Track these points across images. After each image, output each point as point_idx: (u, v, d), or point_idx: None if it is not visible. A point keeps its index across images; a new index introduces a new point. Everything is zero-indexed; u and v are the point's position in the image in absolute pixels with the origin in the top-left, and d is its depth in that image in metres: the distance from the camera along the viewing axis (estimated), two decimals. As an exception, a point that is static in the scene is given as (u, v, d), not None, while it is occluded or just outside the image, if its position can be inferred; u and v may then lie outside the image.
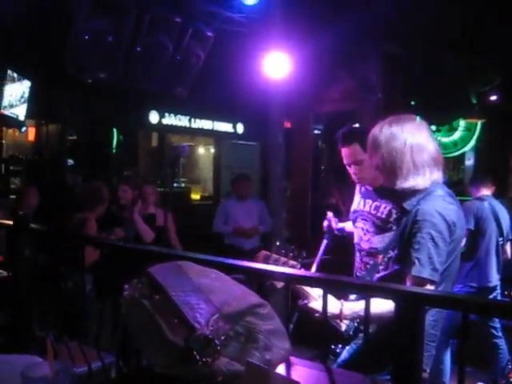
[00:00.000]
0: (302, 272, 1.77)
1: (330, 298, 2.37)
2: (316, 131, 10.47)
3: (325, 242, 3.73)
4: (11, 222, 2.88)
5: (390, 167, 2.55)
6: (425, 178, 2.53)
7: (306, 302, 2.48)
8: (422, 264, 2.36)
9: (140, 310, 1.57)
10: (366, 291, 1.71)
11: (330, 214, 3.82)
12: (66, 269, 3.12)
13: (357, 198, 3.49)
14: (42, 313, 3.06)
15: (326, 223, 3.84)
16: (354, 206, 3.50)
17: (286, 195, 9.59)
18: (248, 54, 7.23)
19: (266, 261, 2.68)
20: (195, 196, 15.04)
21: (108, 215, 5.75)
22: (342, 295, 2.50)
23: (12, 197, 9.79)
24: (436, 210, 2.43)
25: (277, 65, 6.54)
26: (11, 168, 10.59)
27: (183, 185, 14.96)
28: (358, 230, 3.39)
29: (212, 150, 15.69)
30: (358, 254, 3.38)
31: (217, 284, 1.59)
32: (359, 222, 3.38)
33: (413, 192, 2.54)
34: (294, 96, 7.37)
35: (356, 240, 3.41)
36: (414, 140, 2.53)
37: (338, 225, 3.79)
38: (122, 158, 12.89)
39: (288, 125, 9.42)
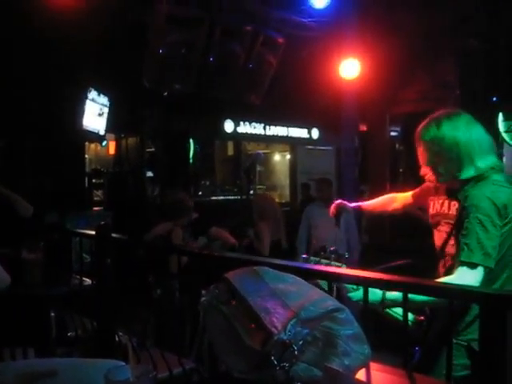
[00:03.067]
0: (379, 275, 1.74)
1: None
2: (393, 133, 10.30)
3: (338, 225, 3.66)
4: (94, 232, 2.99)
5: (445, 162, 2.55)
6: (478, 166, 2.50)
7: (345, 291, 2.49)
8: (471, 249, 2.29)
9: (217, 315, 1.58)
10: (449, 295, 1.66)
11: (338, 201, 3.79)
12: (155, 277, 3.20)
13: (436, 199, 3.40)
14: (126, 320, 3.16)
15: (332, 210, 3.78)
16: (433, 209, 3.40)
17: (364, 198, 9.49)
18: (320, 58, 7.22)
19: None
20: (273, 203, 15.10)
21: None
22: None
23: (95, 209, 10.17)
24: (484, 193, 2.39)
25: (350, 67, 6.49)
26: (93, 181, 10.97)
27: (261, 192, 15.06)
28: (440, 233, 3.30)
29: (288, 157, 15.73)
30: (441, 260, 3.29)
31: (293, 289, 1.58)
32: (443, 225, 3.28)
33: (466, 181, 2.52)
34: (369, 98, 7.29)
35: (438, 243, 3.32)
36: (467, 133, 2.53)
37: (350, 205, 3.74)
38: (199, 168, 13.13)
39: (364, 128, 9.33)
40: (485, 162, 2.51)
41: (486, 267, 2.27)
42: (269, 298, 1.52)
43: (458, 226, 2.47)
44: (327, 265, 2.67)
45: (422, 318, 2.64)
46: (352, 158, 8.20)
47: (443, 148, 2.55)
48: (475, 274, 2.26)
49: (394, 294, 2.27)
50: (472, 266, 2.28)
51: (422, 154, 2.74)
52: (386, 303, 2.37)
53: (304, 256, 2.80)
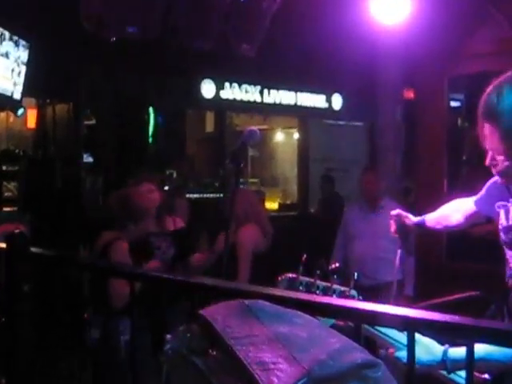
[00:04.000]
0: (431, 315, 1.75)
1: (429, 340, 2.37)
2: (454, 103, 10.32)
3: (399, 253, 3.73)
4: (4, 245, 2.94)
5: None
6: None
7: (391, 350, 2.49)
8: None
9: (190, 371, 1.59)
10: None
11: (395, 212, 3.84)
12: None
13: (510, 206, 3.42)
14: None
15: (392, 226, 3.84)
16: (506, 220, 3.42)
17: (409, 200, 9.50)
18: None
19: (291, 287, 2.73)
20: (271, 204, 15.13)
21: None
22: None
23: (6, 209, 10.13)
24: None
25: (391, 5, 6.51)
26: (3, 168, 10.89)
27: (253, 188, 15.07)
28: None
29: (295, 136, 15.75)
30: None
31: (303, 334, 1.60)
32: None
33: None
34: (417, 52, 7.31)
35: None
36: None
37: (412, 220, 3.79)
38: (162, 152, 13.12)
39: (410, 95, 9.34)
40: None
41: None
42: (266, 348, 1.54)
43: None
44: (327, 291, 2.70)
45: (486, 376, 2.66)
46: (392, 139, 8.22)
47: None
48: None
49: (462, 352, 2.29)
50: None
51: (489, 134, 2.75)
52: (448, 364, 2.40)
53: (290, 276, 2.81)
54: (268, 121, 15.62)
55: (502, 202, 2.66)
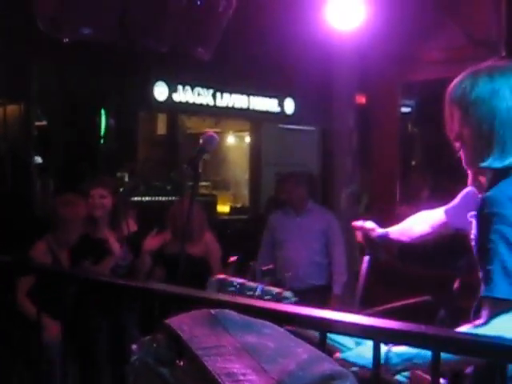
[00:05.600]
0: (399, 324, 1.75)
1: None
2: (404, 109, 10.42)
3: (366, 259, 3.74)
4: None
5: (479, 140, 2.55)
6: None
7: (337, 354, 2.49)
8: (493, 278, 2.32)
9: (156, 382, 1.57)
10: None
11: (358, 223, 3.85)
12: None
13: None
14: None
15: (358, 235, 3.85)
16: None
17: (361, 205, 9.56)
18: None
19: (222, 289, 2.72)
20: (222, 208, 15.14)
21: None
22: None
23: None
24: (507, 194, 2.40)
25: (345, 10, 6.53)
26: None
27: (205, 191, 15.03)
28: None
29: (247, 140, 15.76)
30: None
31: (271, 344, 1.58)
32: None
33: (493, 176, 2.54)
34: (371, 57, 7.34)
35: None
36: None
37: (377, 232, 3.79)
38: (114, 153, 13.03)
39: (362, 100, 9.39)
40: None
41: None
42: (235, 358, 1.52)
43: (478, 246, 2.49)
44: (260, 295, 2.69)
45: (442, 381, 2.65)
46: (345, 144, 8.24)
47: (480, 119, 2.54)
48: (509, 317, 2.28)
49: (404, 350, 2.27)
50: (494, 302, 2.30)
51: (453, 119, 2.73)
52: (391, 364, 2.37)
53: (219, 277, 2.80)
54: (220, 124, 15.61)
55: (475, 212, 2.64)
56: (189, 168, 3.69)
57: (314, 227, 7.34)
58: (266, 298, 2.69)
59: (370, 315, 2.55)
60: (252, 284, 2.74)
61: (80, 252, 5.84)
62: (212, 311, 1.69)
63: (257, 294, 2.71)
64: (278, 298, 2.71)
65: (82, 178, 10.41)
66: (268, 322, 1.72)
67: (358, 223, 3.78)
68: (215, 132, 14.74)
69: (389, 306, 3.96)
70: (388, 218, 7.56)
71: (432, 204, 3.50)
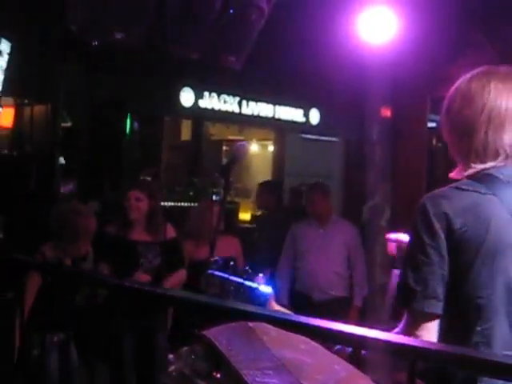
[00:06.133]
0: (436, 345, 1.75)
1: None
2: (430, 124, 10.38)
3: (396, 273, 3.73)
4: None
5: (458, 143, 2.56)
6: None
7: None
8: (402, 289, 2.36)
9: (193, 393, 1.57)
10: None
11: (392, 235, 3.83)
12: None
13: None
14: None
15: (391, 247, 3.83)
16: None
17: (383, 219, 9.51)
18: (332, 8, 7.24)
19: (208, 283, 2.73)
20: (244, 215, 15.10)
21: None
22: None
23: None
24: (423, 201, 2.41)
25: (378, 25, 6.52)
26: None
27: (228, 198, 14.95)
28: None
29: (271, 149, 15.73)
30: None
31: (309, 360, 1.58)
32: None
33: None
34: (401, 71, 7.33)
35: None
36: (501, 105, 2.48)
37: None
38: (137, 157, 13.06)
39: (387, 113, 9.35)
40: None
41: (427, 314, 2.28)
42: (273, 373, 1.52)
43: None
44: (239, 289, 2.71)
45: None
46: (373, 156, 8.23)
47: (457, 121, 2.56)
48: (414, 323, 2.28)
49: None
50: (408, 313, 2.32)
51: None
52: None
53: (208, 272, 2.81)
54: (244, 132, 15.60)
55: None
56: (220, 176, 3.69)
57: (337, 240, 7.35)
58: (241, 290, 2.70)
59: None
60: (233, 278, 2.74)
61: (103, 253, 5.86)
62: (250, 324, 1.69)
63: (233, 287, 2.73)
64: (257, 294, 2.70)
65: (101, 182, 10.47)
66: (303, 337, 1.73)
67: (393, 235, 3.78)
68: (238, 139, 14.80)
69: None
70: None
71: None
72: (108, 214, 7.55)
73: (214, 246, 3.81)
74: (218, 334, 1.69)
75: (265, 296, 2.70)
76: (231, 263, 2.77)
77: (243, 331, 1.70)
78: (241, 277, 2.72)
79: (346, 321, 2.73)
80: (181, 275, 6.14)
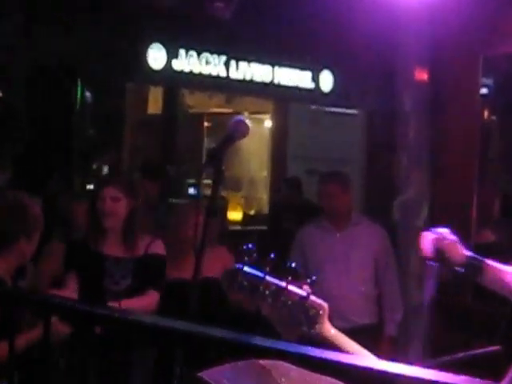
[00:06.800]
0: (466, 380, 1.78)
1: None
2: (483, 90, 10.43)
3: (429, 285, 3.77)
4: None
5: None
6: None
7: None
8: None
9: None
10: None
11: (433, 235, 3.87)
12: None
13: None
14: None
15: (429, 250, 3.87)
16: None
17: (419, 218, 9.57)
18: None
19: (232, 282, 2.70)
20: (234, 215, 15.12)
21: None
22: None
23: None
24: None
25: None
26: None
27: (208, 191, 14.94)
28: None
29: (268, 125, 15.79)
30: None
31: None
32: None
33: None
34: (443, 19, 7.36)
35: None
36: None
37: (464, 252, 3.82)
38: (91, 136, 13.08)
39: (423, 76, 9.38)
40: None
41: None
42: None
43: None
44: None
45: None
46: (399, 134, 8.24)
47: None
48: None
49: None
50: None
51: None
52: None
53: (236, 267, 2.76)
54: (233, 103, 15.62)
55: None
56: (208, 165, 3.65)
57: (361, 247, 7.13)
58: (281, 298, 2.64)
59: (432, 367, 2.59)
60: (271, 279, 2.68)
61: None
62: (262, 363, 1.70)
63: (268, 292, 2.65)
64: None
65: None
66: (327, 377, 1.74)
67: (432, 235, 3.82)
68: (225, 113, 14.88)
69: (454, 356, 4.00)
70: (463, 224, 7.54)
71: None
72: (53, 216, 7.50)
73: (199, 264, 3.73)
74: (220, 376, 1.71)
75: (316, 309, 2.67)
76: (271, 255, 2.70)
77: (254, 372, 1.72)
78: (282, 278, 2.66)
79: (376, 355, 2.77)
80: (148, 299, 5.95)
